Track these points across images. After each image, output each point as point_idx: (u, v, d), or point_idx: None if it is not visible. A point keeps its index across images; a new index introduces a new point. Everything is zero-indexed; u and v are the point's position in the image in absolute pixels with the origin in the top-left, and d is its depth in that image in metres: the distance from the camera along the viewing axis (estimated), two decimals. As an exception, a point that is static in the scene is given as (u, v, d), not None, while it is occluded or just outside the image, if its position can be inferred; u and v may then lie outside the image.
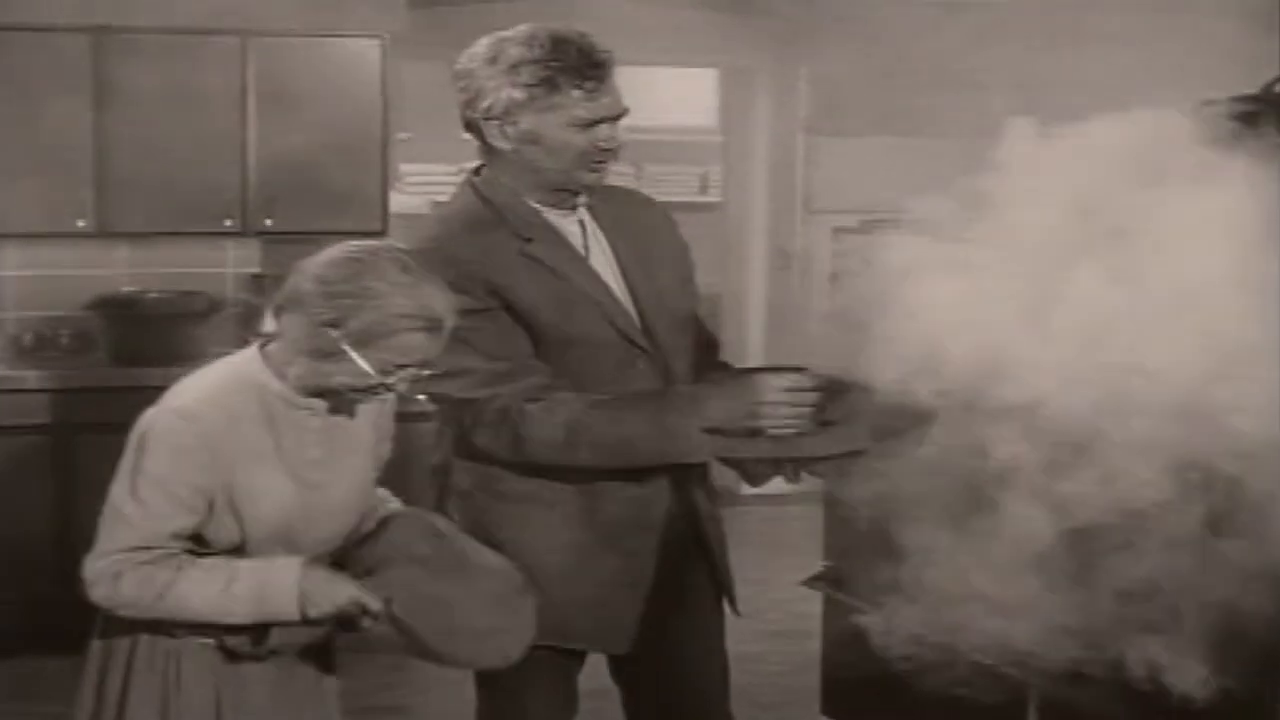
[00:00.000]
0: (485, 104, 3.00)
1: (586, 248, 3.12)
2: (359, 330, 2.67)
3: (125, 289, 6.44)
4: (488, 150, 3.08)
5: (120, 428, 2.81)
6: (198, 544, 2.78)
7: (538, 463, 3.03)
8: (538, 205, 3.09)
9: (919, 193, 3.40)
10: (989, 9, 3.37)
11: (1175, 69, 3.33)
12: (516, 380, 2.99)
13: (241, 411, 2.76)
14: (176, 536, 2.73)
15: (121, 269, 6.53)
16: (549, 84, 2.96)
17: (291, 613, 2.72)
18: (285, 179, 6.28)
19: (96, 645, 2.89)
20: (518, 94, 2.97)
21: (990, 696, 3.69)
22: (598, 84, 2.99)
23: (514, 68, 2.97)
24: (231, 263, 6.66)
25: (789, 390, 2.94)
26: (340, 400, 2.81)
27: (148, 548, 2.72)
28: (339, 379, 2.74)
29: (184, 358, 6.13)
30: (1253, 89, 3.35)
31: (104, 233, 6.26)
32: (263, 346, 2.81)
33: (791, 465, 3.01)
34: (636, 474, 3.06)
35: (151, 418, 2.75)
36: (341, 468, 2.87)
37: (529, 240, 3.06)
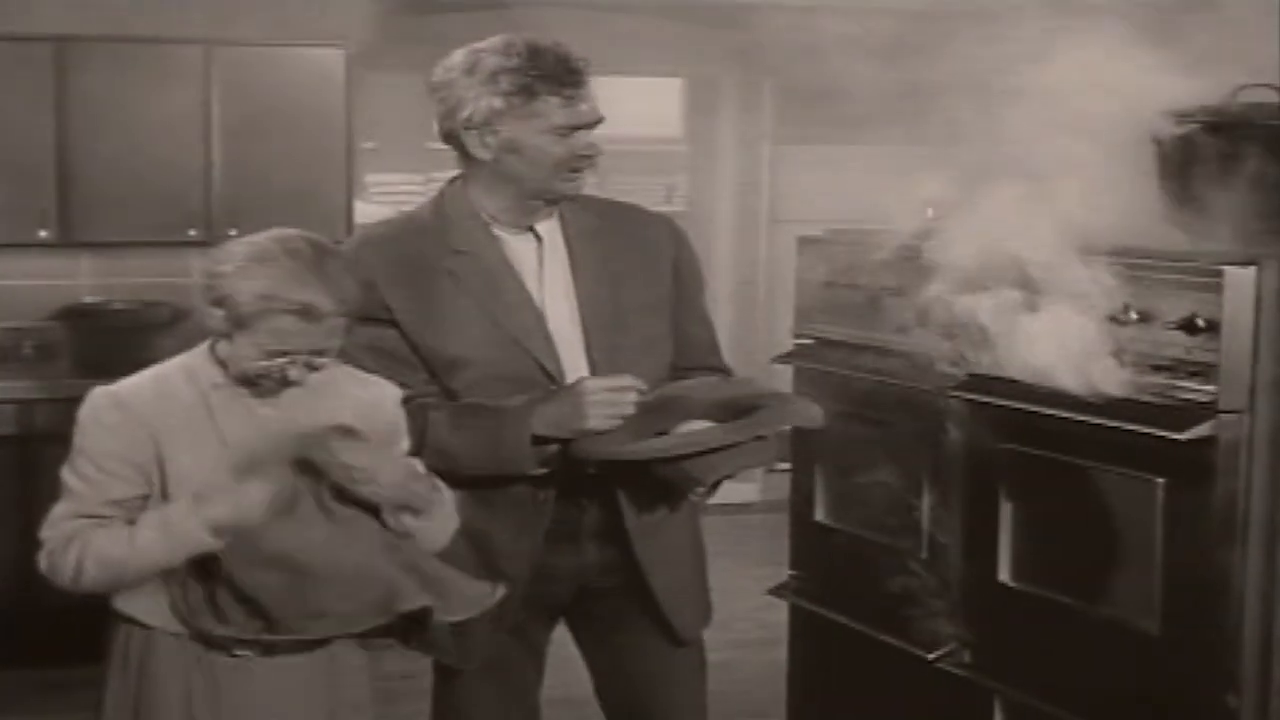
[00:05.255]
0: (465, 114, 3.01)
1: (540, 267, 3.11)
2: (233, 311, 2.75)
3: (88, 299, 6.42)
4: (467, 160, 3.09)
5: (85, 438, 2.85)
6: None
7: None
8: (491, 219, 3.10)
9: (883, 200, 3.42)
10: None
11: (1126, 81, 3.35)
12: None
13: (176, 396, 2.84)
14: (116, 504, 2.80)
15: (85, 279, 6.51)
16: (527, 92, 2.98)
17: (204, 538, 2.72)
18: (249, 189, 6.27)
19: (109, 639, 2.91)
20: (497, 103, 2.99)
21: (955, 702, 3.71)
22: (575, 91, 3.01)
23: (493, 76, 2.99)
24: (195, 273, 6.64)
25: (609, 390, 2.95)
26: (271, 386, 2.83)
27: (86, 516, 2.79)
28: (241, 364, 2.80)
29: (148, 368, 6.11)
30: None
31: (67, 243, 6.25)
32: (214, 344, 2.88)
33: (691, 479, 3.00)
34: (515, 497, 3.06)
35: (86, 399, 2.87)
36: None
37: (460, 253, 3.06)
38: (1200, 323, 3.09)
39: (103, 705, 2.89)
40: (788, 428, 3.04)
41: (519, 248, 3.11)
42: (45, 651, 5.48)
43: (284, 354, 2.76)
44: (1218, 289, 3.07)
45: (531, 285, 3.10)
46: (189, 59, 6.25)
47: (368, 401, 2.95)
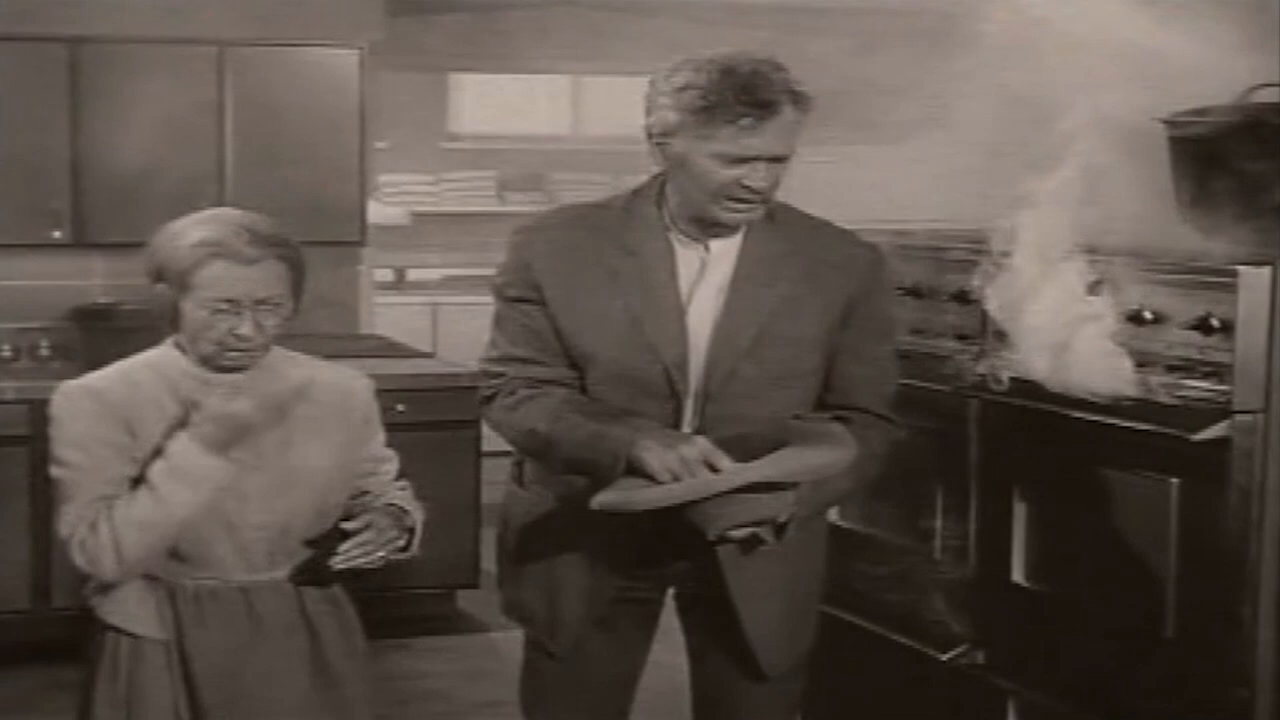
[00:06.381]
0: (651, 120, 2.99)
1: (697, 282, 3.05)
2: (174, 274, 2.78)
3: (102, 300, 6.42)
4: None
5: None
6: None
7: (517, 446, 3.10)
8: (671, 225, 3.06)
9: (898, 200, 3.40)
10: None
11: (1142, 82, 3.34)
12: (527, 366, 3.04)
13: (147, 386, 2.84)
14: (117, 482, 2.78)
15: (98, 280, 6.51)
16: (705, 112, 2.91)
17: (217, 467, 2.74)
18: (263, 190, 6.26)
19: (95, 645, 2.90)
20: (674, 116, 2.94)
21: (969, 702, 3.71)
22: (755, 121, 2.92)
23: (681, 90, 2.94)
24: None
25: (697, 456, 2.81)
26: (234, 356, 2.82)
27: (99, 497, 2.77)
28: (198, 342, 2.80)
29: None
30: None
31: (80, 244, 6.25)
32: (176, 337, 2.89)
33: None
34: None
35: (56, 395, 2.87)
36: (283, 446, 2.86)
37: (630, 253, 3.04)
38: (1215, 323, 3.09)
39: (91, 713, 2.85)
40: (801, 477, 2.83)
41: (687, 258, 3.06)
42: (57, 650, 5.48)
43: (228, 303, 2.75)
44: (1232, 289, 3.07)
45: (685, 299, 3.05)
46: (202, 60, 6.25)
47: (340, 392, 2.97)
